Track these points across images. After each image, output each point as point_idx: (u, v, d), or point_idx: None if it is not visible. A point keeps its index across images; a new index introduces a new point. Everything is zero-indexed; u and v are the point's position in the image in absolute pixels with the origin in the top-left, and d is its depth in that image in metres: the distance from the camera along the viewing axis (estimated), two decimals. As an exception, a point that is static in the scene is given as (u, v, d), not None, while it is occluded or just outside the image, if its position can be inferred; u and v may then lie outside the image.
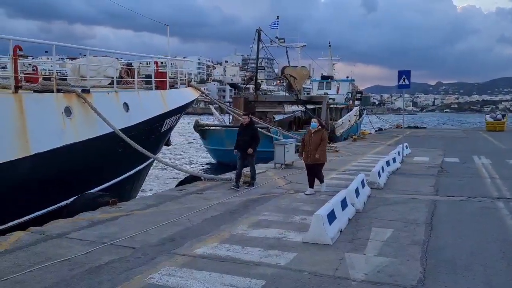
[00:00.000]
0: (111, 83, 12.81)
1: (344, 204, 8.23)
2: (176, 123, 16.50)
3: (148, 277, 5.46)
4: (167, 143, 16.71)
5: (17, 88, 9.15)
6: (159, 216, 8.49)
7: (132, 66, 14.60)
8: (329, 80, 40.80)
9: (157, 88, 14.26)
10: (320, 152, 10.43)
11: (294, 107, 35.38)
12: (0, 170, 8.21)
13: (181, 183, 12.86)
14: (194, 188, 11.45)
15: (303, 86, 35.61)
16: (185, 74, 18.03)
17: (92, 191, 10.36)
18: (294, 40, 37.74)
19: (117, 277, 5.45)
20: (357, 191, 9.34)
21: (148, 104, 13.15)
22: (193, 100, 17.76)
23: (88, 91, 10.78)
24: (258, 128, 19.44)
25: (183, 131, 49.66)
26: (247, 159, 11.44)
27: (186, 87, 17.22)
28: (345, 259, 6.15)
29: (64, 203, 9.85)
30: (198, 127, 25.05)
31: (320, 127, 10.77)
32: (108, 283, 5.28)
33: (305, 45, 38.44)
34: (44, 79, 11.09)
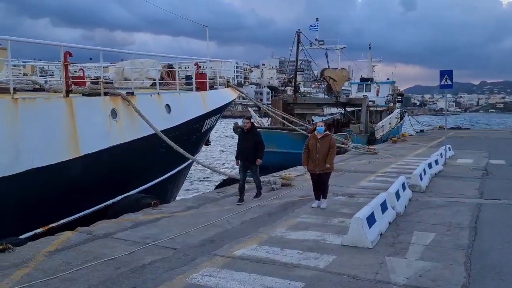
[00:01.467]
0: (153, 85, 13.18)
1: (384, 207, 8.12)
2: (216, 123, 16.76)
3: (190, 277, 5.61)
4: (207, 143, 17.00)
5: (67, 92, 9.62)
6: (199, 218, 8.67)
7: (173, 68, 14.96)
8: (369, 82, 40.08)
9: (197, 89, 14.58)
10: (330, 160, 9.42)
11: (333, 109, 35.04)
12: (53, 171, 8.63)
13: (220, 185, 13.05)
14: (233, 191, 11.58)
15: (342, 88, 35.25)
16: (224, 76, 18.27)
17: (134, 191, 10.68)
18: (334, 42, 37.40)
19: (160, 277, 5.63)
20: (397, 194, 9.17)
21: (189, 105, 13.47)
22: (232, 100, 17.96)
23: (132, 94, 11.20)
24: (301, 131, 19.49)
25: (222, 134, 50.24)
26: (251, 168, 10.28)
27: (225, 87, 17.47)
28: (385, 263, 6.08)
29: (110, 202, 10.25)
30: (238, 129, 25.26)
31: (327, 131, 9.74)
32: (151, 282, 5.46)
33: (344, 47, 37.91)
34: (92, 83, 11.58)
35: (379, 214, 7.66)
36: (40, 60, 22.10)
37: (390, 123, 33.87)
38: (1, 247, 6.59)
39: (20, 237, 7.62)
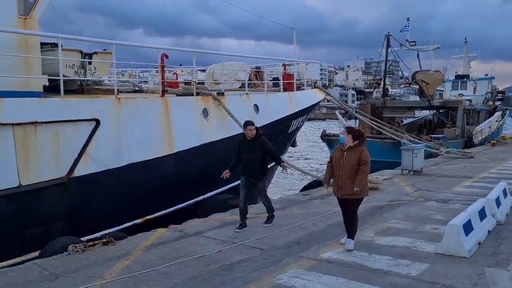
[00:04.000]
0: (241, 86, 13.59)
1: (482, 214, 7.54)
2: (303, 124, 16.78)
3: (277, 277, 5.66)
4: (293, 144, 17.05)
5: (163, 92, 10.28)
6: (285, 219, 8.71)
7: (261, 69, 15.28)
8: (465, 79, 37.25)
9: (284, 90, 14.74)
10: (359, 182, 6.61)
11: (425, 111, 33.01)
12: (150, 166, 9.25)
13: (305, 188, 13.02)
14: (318, 194, 11.49)
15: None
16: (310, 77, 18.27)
17: (222, 189, 11.02)
18: (426, 42, 35.17)
19: (248, 276, 5.75)
20: (498, 201, 8.47)
21: (276, 105, 13.66)
22: (319, 101, 17.87)
23: (222, 94, 11.66)
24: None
25: (308, 136, 50.11)
26: (257, 186, 8.23)
27: (312, 88, 17.44)
28: (485, 274, 5.64)
29: (200, 198, 10.70)
30: (325, 137, 25.01)
31: (356, 141, 6.78)
32: (239, 280, 5.60)
33: (438, 47, 35.07)
34: (185, 83, 12.26)
35: (477, 222, 7.13)
36: (136, 67, 23.71)
37: (490, 127, 31.04)
38: (105, 240, 7.19)
39: (121, 226, 8.25)
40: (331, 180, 7.13)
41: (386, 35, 28.97)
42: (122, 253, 6.77)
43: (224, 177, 8.10)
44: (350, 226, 6.90)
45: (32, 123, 7.60)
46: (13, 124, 7.34)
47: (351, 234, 6.89)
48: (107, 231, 8.09)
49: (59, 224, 7.89)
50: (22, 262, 6.74)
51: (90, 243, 7.12)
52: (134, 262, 6.35)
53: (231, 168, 8.17)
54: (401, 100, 37.25)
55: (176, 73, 13.56)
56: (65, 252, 6.79)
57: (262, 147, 8.03)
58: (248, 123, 8.13)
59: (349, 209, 6.89)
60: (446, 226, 6.64)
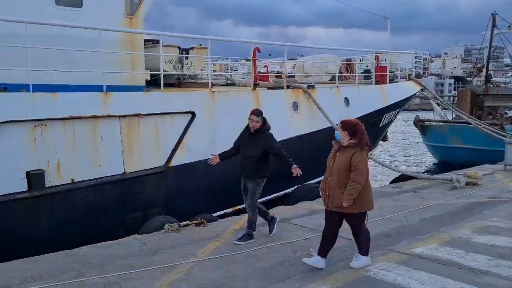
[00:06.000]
0: (331, 79, 13.44)
1: None
2: (395, 117, 16.19)
3: (365, 269, 5.58)
4: (384, 138, 16.53)
5: (255, 85, 10.58)
6: (374, 211, 8.38)
7: (352, 62, 14.98)
8: None
9: (377, 82, 14.33)
10: (347, 195, 5.26)
11: None
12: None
13: (395, 180, 12.55)
14: (410, 186, 11.02)
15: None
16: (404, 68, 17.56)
17: (309, 182, 11.03)
18: None
19: (335, 265, 5.73)
20: None
21: (368, 98, 13.39)
22: (414, 95, 17.11)
23: (313, 87, 11.68)
24: None
25: (399, 128, 48.07)
26: (248, 188, 6.74)
27: (406, 80, 16.71)
28: None
29: (288, 190, 10.86)
30: (419, 122, 23.84)
31: (351, 140, 5.40)
32: (327, 268, 5.60)
33: None
34: (276, 77, 12.44)
35: None
36: (227, 58, 24.47)
37: None
38: (197, 221, 7.58)
39: (212, 214, 8.62)
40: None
41: (491, 14, 26.61)
42: (213, 234, 7.11)
43: (210, 163, 6.89)
44: (358, 240, 5.75)
45: (136, 115, 8.22)
46: (119, 116, 8.00)
47: (360, 248, 5.71)
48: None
49: (156, 210, 8.46)
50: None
51: (184, 223, 7.56)
52: (224, 244, 6.65)
53: (222, 155, 6.89)
54: (507, 88, 33.87)
55: (266, 66, 13.78)
56: (162, 230, 7.32)
57: (265, 145, 6.59)
58: (253, 112, 6.68)
59: (351, 226, 5.67)
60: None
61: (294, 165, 6.57)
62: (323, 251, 5.62)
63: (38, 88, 7.05)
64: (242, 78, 12.82)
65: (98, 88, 7.74)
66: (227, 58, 23.89)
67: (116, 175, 8.00)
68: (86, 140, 7.63)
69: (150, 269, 5.64)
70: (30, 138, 7.02)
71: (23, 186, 6.94)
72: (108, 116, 7.82)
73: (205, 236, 7.04)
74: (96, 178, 7.74)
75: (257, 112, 6.67)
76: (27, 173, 6.97)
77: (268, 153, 6.64)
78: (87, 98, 7.59)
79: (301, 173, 6.47)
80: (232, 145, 6.96)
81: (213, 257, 6.05)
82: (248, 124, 6.67)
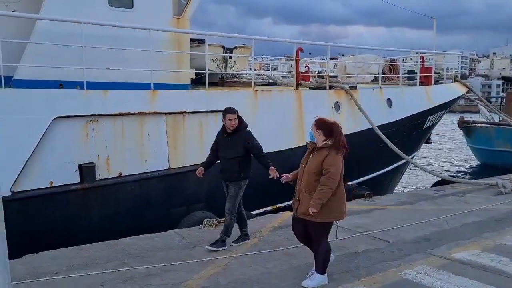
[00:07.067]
0: (374, 80, 13.32)
1: None
2: (439, 120, 15.84)
3: (403, 272, 5.58)
4: (428, 141, 16.21)
5: (297, 85, 10.70)
6: (413, 214, 8.41)
7: (395, 62, 14.78)
8: None
9: (421, 83, 14.08)
10: (315, 200, 4.79)
11: None
12: (282, 156, 9.62)
13: (437, 183, 12.32)
14: (452, 190, 10.79)
15: None
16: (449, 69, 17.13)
17: (351, 183, 11.00)
18: None
19: (373, 266, 5.76)
20: None
21: (411, 100, 13.19)
22: (459, 97, 16.67)
23: (355, 88, 11.65)
24: None
25: (443, 130, 46.69)
26: (229, 190, 6.48)
27: (452, 82, 16.30)
28: None
29: None
30: (463, 124, 23.16)
31: (326, 140, 4.93)
32: (364, 270, 5.64)
33: None
34: (318, 77, 12.48)
35: None
36: (267, 57, 24.59)
37: None
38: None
39: (253, 212, 8.78)
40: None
41: None
42: (250, 231, 7.22)
43: (198, 175, 6.58)
44: (315, 255, 5.15)
45: (181, 112, 8.50)
46: (165, 113, 8.30)
47: (316, 265, 5.12)
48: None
49: (198, 206, 8.69)
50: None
51: (222, 219, 7.72)
52: (261, 241, 6.79)
53: (205, 165, 6.64)
54: None
55: (308, 66, 13.81)
56: (200, 225, 7.55)
57: (245, 142, 6.27)
58: (228, 111, 6.25)
59: (311, 235, 5.06)
60: None
61: (272, 167, 6.22)
62: (320, 265, 5.11)
63: (91, 85, 7.47)
64: (283, 77, 12.92)
65: (146, 86, 8.08)
66: (267, 57, 24.02)
67: (161, 170, 8.30)
68: (134, 136, 7.98)
69: (189, 262, 5.87)
70: (83, 133, 7.43)
71: (76, 178, 7.35)
72: (155, 113, 8.15)
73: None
74: (142, 173, 8.08)
75: (232, 110, 6.27)
76: (80, 166, 7.38)
77: (249, 152, 6.36)
78: (136, 96, 7.95)
79: (278, 175, 5.92)
80: (210, 153, 6.66)
81: (250, 253, 6.21)
82: (223, 125, 6.38)
